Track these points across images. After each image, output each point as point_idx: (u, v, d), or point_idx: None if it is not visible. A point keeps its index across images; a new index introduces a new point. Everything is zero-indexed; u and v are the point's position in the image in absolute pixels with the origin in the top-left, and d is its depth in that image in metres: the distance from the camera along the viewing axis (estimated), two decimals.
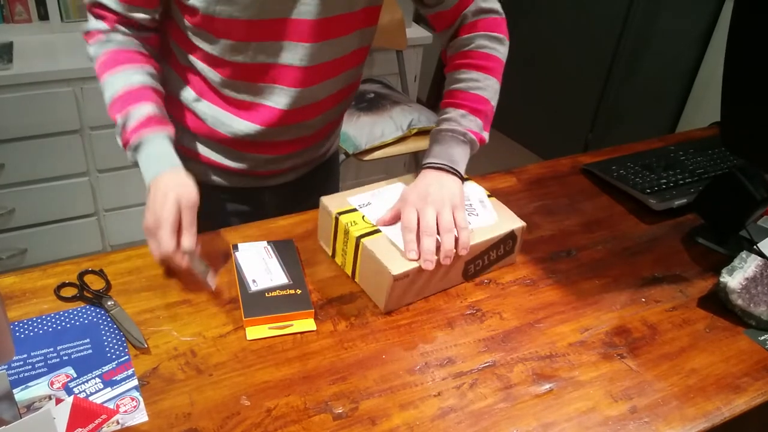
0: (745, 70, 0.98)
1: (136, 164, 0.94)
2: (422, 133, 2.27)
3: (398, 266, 0.87)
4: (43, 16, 2.08)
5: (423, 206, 0.91)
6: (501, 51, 1.06)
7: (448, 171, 0.97)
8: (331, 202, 0.97)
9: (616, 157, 1.34)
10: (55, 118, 1.95)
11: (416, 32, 2.57)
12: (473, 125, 1.01)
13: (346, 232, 0.93)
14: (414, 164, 2.70)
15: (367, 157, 2.17)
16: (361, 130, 2.16)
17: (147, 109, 0.93)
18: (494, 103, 1.05)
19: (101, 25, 0.96)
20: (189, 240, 0.85)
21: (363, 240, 0.90)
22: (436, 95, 3.38)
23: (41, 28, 2.10)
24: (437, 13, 1.06)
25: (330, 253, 0.99)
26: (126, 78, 0.94)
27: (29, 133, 1.94)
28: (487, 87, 1.03)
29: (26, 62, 1.92)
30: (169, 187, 0.87)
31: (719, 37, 2.75)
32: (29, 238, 2.13)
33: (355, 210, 0.96)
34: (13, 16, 2.05)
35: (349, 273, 0.96)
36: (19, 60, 1.93)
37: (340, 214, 0.95)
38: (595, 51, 2.85)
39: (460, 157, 0.99)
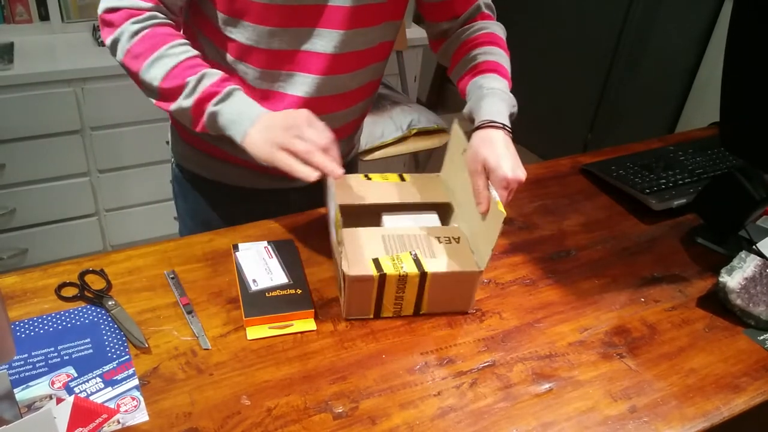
0: (745, 71, 0.99)
1: (212, 120, 0.91)
2: (422, 133, 2.28)
3: (480, 262, 0.89)
4: (44, 16, 2.08)
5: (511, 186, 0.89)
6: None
7: (508, 134, 0.95)
8: (358, 270, 0.85)
9: (615, 157, 1.35)
10: (55, 119, 1.95)
11: (416, 33, 2.57)
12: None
13: (404, 278, 0.86)
14: (414, 164, 2.70)
15: (367, 158, 2.17)
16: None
17: (219, 71, 0.93)
18: None
19: (143, 3, 0.93)
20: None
21: (427, 271, 0.87)
22: (436, 96, 3.38)
23: (42, 28, 2.10)
24: (444, 2, 1.08)
25: (372, 316, 0.90)
26: (188, 49, 0.93)
27: (30, 133, 1.94)
28: (507, 63, 1.07)
29: (27, 62, 1.92)
30: (287, 114, 0.88)
31: (719, 37, 2.75)
32: (30, 238, 2.13)
33: (381, 255, 0.88)
34: (14, 16, 2.05)
35: (410, 313, 0.90)
36: (20, 60, 1.93)
37: (379, 268, 0.86)
38: (595, 51, 2.85)
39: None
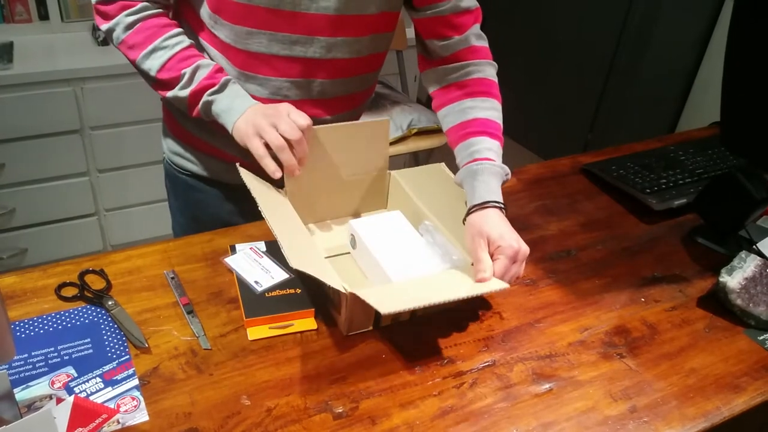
0: (745, 70, 0.99)
1: (206, 108, 0.96)
2: (422, 133, 2.27)
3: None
4: (44, 16, 2.08)
5: (517, 265, 0.89)
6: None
7: (503, 212, 0.94)
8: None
9: (615, 157, 1.35)
10: (55, 118, 1.95)
11: None
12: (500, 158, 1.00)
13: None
14: (414, 164, 2.70)
15: None
16: None
17: (212, 62, 0.99)
18: None
19: None
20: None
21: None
22: None
23: (41, 28, 2.10)
24: (429, 18, 1.02)
25: (371, 327, 0.88)
26: (182, 39, 0.98)
27: (30, 133, 1.94)
28: (500, 117, 1.04)
29: (26, 62, 1.92)
30: (272, 105, 0.94)
31: (719, 38, 2.75)
32: (30, 238, 2.13)
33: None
34: (14, 16, 2.05)
35: (407, 318, 0.90)
36: (20, 60, 1.93)
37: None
38: (595, 51, 2.85)
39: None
